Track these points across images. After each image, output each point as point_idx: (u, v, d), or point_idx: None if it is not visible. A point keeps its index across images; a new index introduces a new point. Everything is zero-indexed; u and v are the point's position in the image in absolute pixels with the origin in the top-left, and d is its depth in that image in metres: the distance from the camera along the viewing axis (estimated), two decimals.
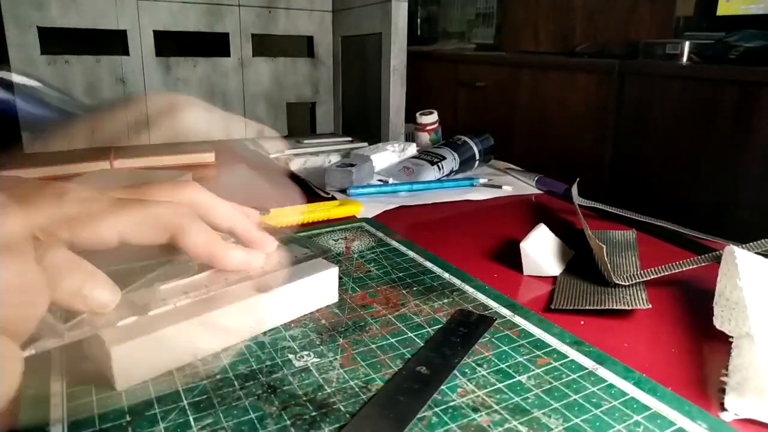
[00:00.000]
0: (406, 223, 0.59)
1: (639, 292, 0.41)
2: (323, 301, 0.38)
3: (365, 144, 0.93)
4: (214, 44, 1.04)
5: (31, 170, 0.76)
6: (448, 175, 0.78)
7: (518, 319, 0.37)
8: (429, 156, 0.77)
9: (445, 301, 0.39)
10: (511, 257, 0.47)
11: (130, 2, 0.91)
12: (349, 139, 1.00)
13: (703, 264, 0.42)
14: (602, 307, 0.39)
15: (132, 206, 0.29)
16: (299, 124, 1.16)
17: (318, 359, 0.32)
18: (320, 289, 0.38)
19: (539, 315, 0.38)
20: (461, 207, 0.65)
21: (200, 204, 0.32)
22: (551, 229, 0.49)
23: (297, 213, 0.57)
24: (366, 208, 0.62)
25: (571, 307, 0.39)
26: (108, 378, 0.29)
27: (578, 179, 0.65)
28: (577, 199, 0.60)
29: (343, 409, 0.28)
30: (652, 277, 0.42)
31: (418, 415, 0.27)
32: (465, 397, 0.29)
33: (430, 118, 0.99)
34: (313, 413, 0.27)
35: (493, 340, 0.34)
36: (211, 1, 0.98)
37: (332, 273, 0.38)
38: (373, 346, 0.34)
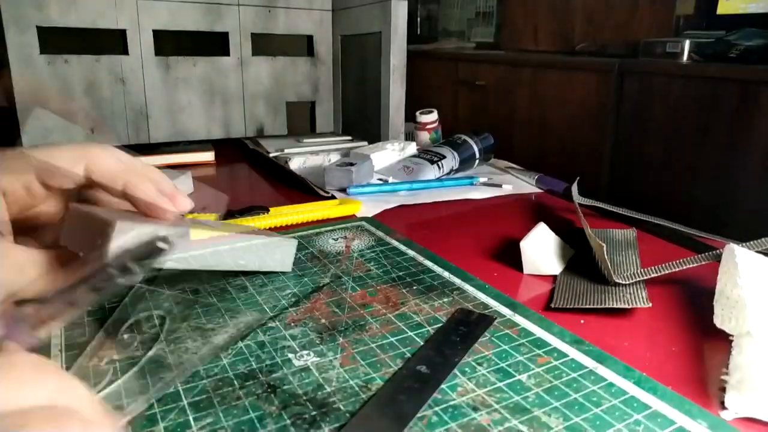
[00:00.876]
0: (406, 222, 0.59)
1: (639, 291, 0.41)
2: (279, 266, 0.43)
3: (365, 143, 0.93)
4: (213, 43, 1.04)
5: None
6: (448, 174, 0.78)
7: (518, 318, 0.37)
8: (429, 155, 0.77)
9: (445, 300, 0.39)
10: (511, 256, 0.47)
11: (130, 2, 0.91)
12: (349, 138, 0.99)
13: (704, 263, 0.42)
14: (602, 306, 0.38)
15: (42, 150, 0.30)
16: (299, 123, 1.16)
17: (318, 358, 0.32)
18: (277, 254, 0.43)
19: (539, 314, 0.38)
20: (461, 206, 0.65)
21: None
22: (551, 227, 0.49)
23: (297, 212, 0.57)
24: (366, 207, 0.61)
25: (572, 306, 0.39)
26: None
27: (578, 178, 0.65)
28: (578, 198, 0.60)
29: (343, 408, 0.28)
30: (653, 275, 0.42)
31: (418, 415, 0.27)
32: (465, 396, 0.29)
33: (430, 117, 0.99)
34: (313, 413, 0.27)
35: (493, 339, 0.34)
36: (210, 0, 0.98)
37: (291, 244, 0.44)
38: (373, 345, 0.33)
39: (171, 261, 0.32)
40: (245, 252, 0.42)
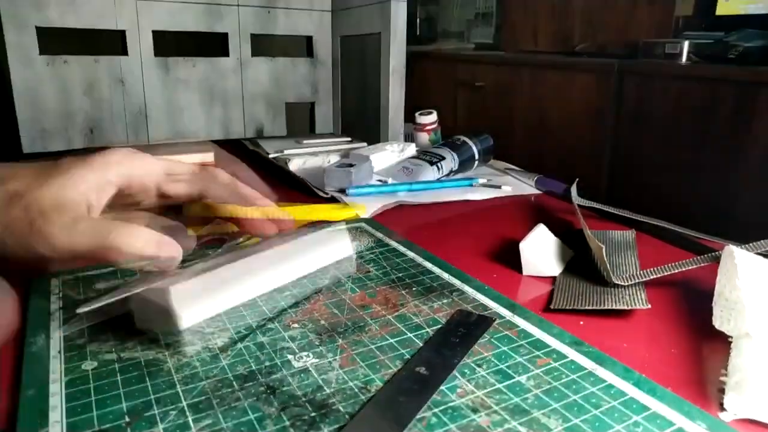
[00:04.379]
0: (405, 224, 0.59)
1: (638, 292, 0.41)
2: (341, 254, 0.45)
3: (364, 144, 0.93)
4: (213, 44, 1.04)
5: None
6: (447, 176, 0.78)
7: (518, 320, 0.37)
8: (428, 156, 0.77)
9: (445, 301, 0.39)
10: (510, 257, 0.47)
11: (129, 2, 0.91)
12: (348, 139, 1.00)
13: (703, 264, 0.42)
14: (602, 307, 0.38)
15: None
16: (298, 124, 1.16)
17: (317, 360, 0.32)
18: (335, 243, 0.45)
19: (539, 315, 0.38)
20: (460, 207, 0.65)
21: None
22: (551, 229, 0.49)
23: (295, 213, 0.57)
24: (365, 208, 0.61)
25: (571, 308, 0.39)
26: (170, 320, 0.33)
27: (577, 179, 0.65)
28: (577, 199, 0.60)
29: (342, 409, 0.28)
30: (652, 277, 0.42)
31: (418, 416, 0.27)
32: (464, 397, 0.29)
33: (430, 118, 0.99)
34: (313, 414, 0.27)
35: (492, 340, 0.34)
36: (209, 1, 0.98)
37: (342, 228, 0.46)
38: (373, 346, 0.33)
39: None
40: (306, 247, 0.42)
